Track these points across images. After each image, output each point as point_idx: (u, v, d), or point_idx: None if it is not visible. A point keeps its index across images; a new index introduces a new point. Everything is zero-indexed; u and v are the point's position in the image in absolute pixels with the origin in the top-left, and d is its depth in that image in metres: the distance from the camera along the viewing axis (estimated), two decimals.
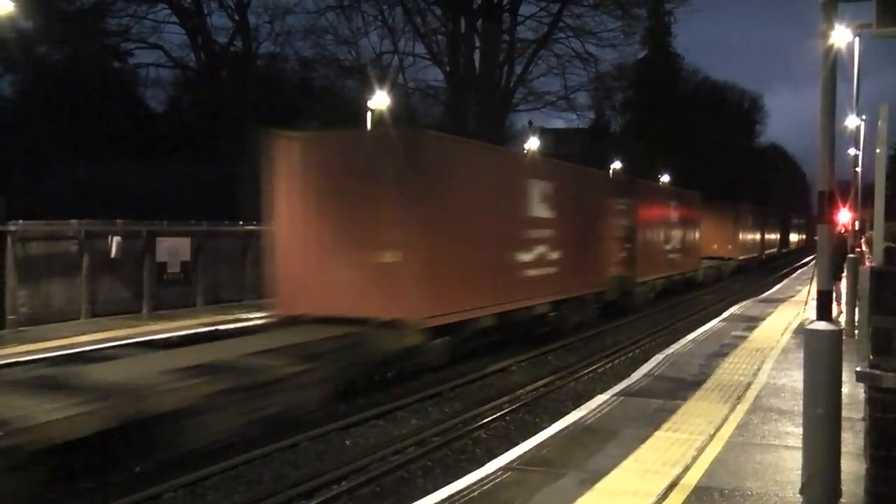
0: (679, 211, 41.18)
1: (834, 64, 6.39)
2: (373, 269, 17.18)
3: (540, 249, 22.46)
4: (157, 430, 11.73)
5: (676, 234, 40.47)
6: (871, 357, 6.06)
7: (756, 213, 66.63)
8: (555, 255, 23.23)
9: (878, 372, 5.91)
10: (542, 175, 22.88)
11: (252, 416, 13.25)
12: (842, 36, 9.04)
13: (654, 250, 35.64)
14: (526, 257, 21.73)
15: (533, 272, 22.03)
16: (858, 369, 6.07)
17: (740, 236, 58.41)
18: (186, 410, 12.05)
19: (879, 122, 8.20)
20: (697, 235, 45.83)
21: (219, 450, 12.68)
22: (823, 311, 6.63)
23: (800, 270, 60.30)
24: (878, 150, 11.52)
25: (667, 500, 8.54)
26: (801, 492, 6.62)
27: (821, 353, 6.44)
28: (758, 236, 68.04)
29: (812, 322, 6.67)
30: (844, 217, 30.78)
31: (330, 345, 15.70)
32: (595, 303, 27.71)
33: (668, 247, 38.77)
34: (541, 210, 22.45)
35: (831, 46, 6.44)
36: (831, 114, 6.41)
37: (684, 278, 42.57)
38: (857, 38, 20.46)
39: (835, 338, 6.44)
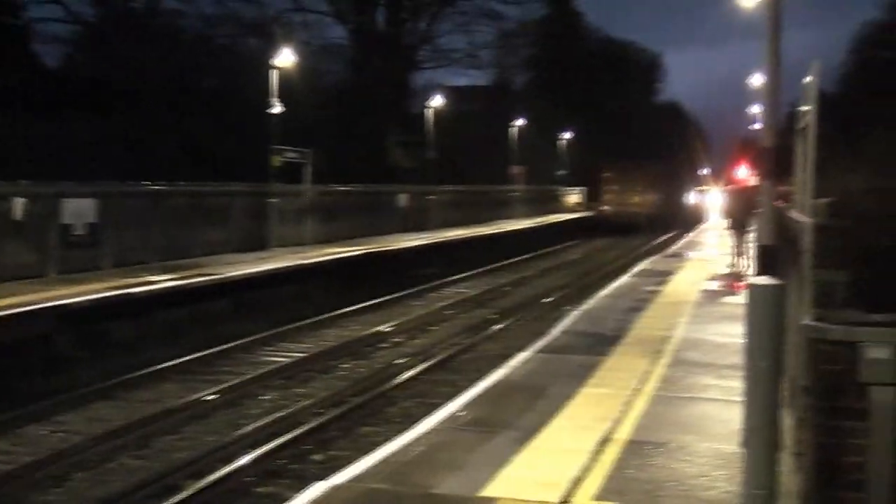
0: None
1: (778, 16, 6.35)
2: None
3: None
4: None
5: None
6: (815, 310, 6.10)
7: None
8: None
9: (823, 325, 5.95)
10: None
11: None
12: None
13: None
14: None
15: None
16: (804, 323, 6.11)
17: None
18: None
19: (811, 78, 8.22)
20: None
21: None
22: (765, 266, 6.64)
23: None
24: (808, 107, 11.54)
25: (602, 456, 8.54)
26: (744, 445, 6.65)
27: (765, 307, 6.44)
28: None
29: (752, 275, 6.68)
30: (744, 173, 31.49)
31: None
32: None
33: None
34: None
35: None
36: (776, 69, 6.39)
37: None
38: None
39: (779, 292, 6.46)
